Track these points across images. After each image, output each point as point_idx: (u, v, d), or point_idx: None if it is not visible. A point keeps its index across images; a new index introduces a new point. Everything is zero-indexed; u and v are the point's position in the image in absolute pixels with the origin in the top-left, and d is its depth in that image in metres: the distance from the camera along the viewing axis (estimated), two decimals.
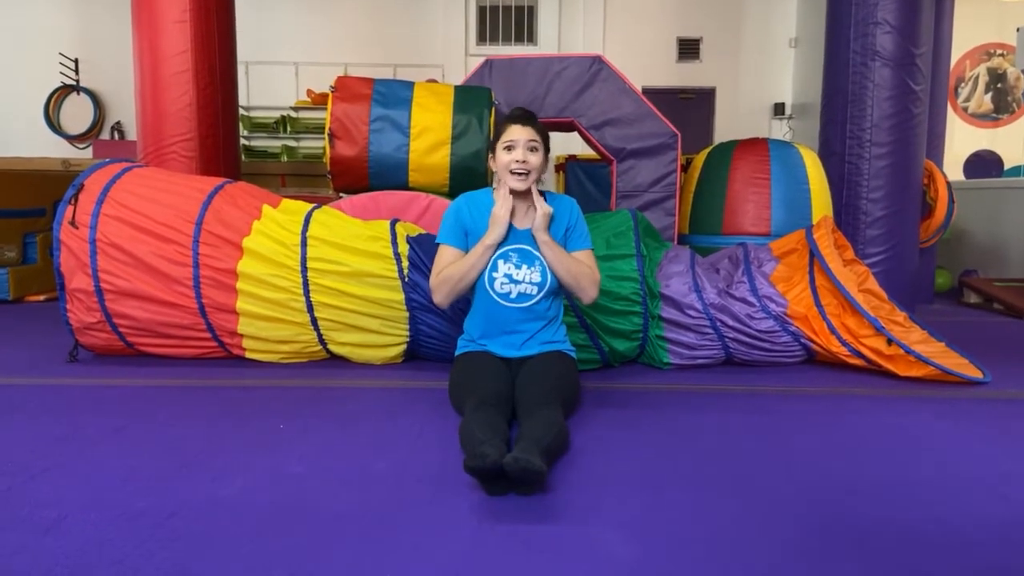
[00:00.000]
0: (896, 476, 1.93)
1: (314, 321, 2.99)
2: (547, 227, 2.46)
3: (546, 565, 1.43)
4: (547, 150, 2.53)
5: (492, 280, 2.47)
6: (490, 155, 2.56)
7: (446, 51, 9.60)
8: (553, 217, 2.50)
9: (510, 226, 2.49)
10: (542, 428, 1.96)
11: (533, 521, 1.62)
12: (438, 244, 2.55)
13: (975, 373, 2.96)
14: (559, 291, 2.58)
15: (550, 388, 2.26)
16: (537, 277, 2.47)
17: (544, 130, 2.53)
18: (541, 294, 2.47)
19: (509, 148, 2.45)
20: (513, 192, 2.47)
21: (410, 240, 3.10)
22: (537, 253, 2.48)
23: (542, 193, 2.56)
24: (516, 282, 2.46)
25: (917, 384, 2.90)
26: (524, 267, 2.47)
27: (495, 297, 2.47)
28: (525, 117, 2.50)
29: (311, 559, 1.44)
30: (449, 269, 2.46)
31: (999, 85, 9.22)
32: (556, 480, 1.86)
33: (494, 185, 2.59)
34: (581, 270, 2.48)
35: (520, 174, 2.44)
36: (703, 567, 1.43)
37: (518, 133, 2.45)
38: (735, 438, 2.24)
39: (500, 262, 2.47)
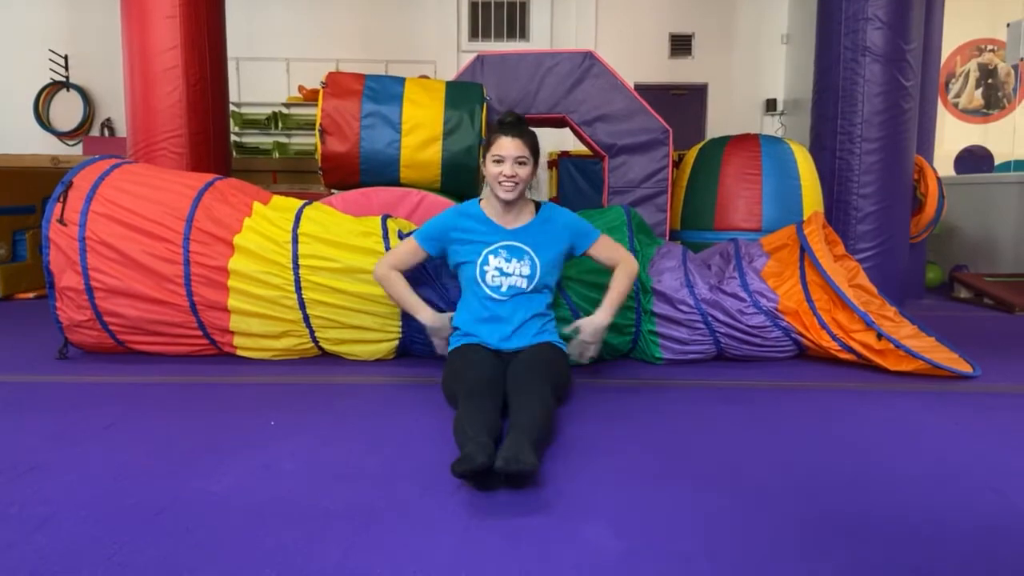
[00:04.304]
0: (886, 470, 1.94)
1: (306, 318, 2.99)
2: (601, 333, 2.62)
3: (535, 560, 1.43)
4: (536, 159, 2.58)
5: (484, 273, 2.56)
6: (482, 161, 2.62)
7: (438, 47, 9.59)
8: (548, 224, 2.64)
9: (499, 227, 2.60)
10: (530, 417, 1.97)
11: (523, 516, 1.62)
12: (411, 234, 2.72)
13: (965, 367, 2.97)
14: (552, 287, 2.67)
15: (540, 372, 2.29)
16: (527, 270, 2.56)
17: (534, 139, 2.57)
18: (531, 286, 2.56)
19: (498, 161, 2.50)
20: (503, 201, 2.56)
21: (402, 236, 3.09)
22: (526, 248, 2.58)
23: (539, 205, 2.68)
24: (506, 275, 2.55)
25: (907, 378, 2.91)
26: (514, 260, 2.57)
27: (487, 290, 2.56)
28: (515, 128, 2.53)
29: (301, 555, 1.44)
30: (397, 286, 2.68)
31: (989, 81, 9.25)
32: (546, 475, 1.86)
33: (482, 196, 2.70)
34: (628, 283, 2.68)
35: (509, 186, 2.50)
36: (693, 561, 1.44)
37: (507, 148, 2.49)
38: (726, 433, 2.25)
39: (491, 257, 2.57)
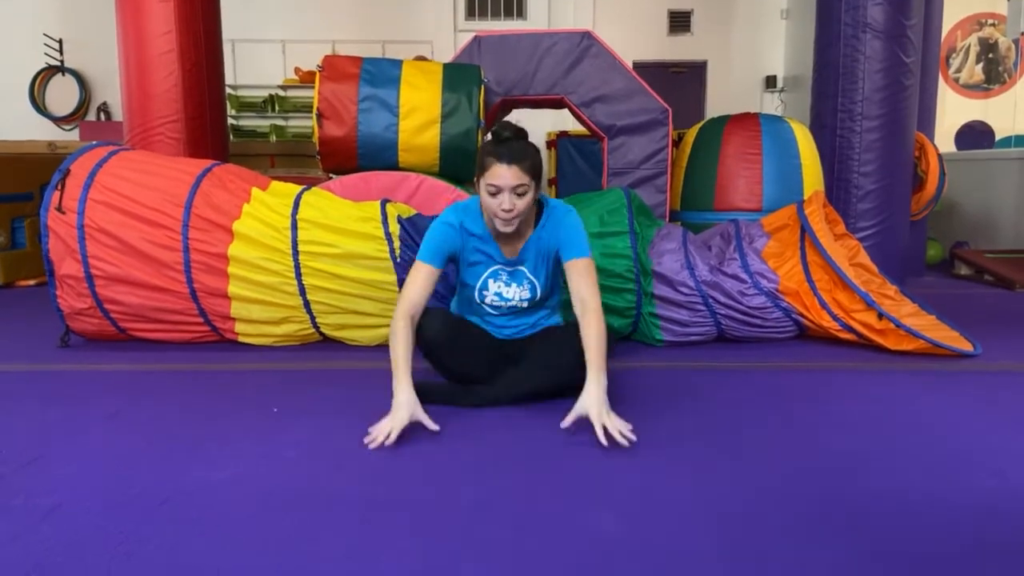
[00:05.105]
0: (888, 450, 1.94)
1: (307, 304, 2.99)
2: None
3: (538, 544, 1.44)
4: (539, 180, 2.24)
5: (483, 296, 2.42)
6: (476, 177, 2.25)
7: (435, 27, 9.50)
8: (544, 241, 2.34)
9: (499, 252, 2.34)
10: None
11: (527, 503, 1.63)
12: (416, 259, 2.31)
13: (966, 346, 2.98)
14: (551, 295, 2.53)
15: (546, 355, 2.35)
16: (526, 293, 2.40)
17: (535, 159, 2.21)
18: (532, 305, 2.45)
19: (494, 192, 2.16)
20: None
21: (401, 220, 3.09)
22: (527, 272, 2.37)
23: (543, 206, 2.35)
24: (506, 299, 2.40)
25: (908, 357, 2.91)
26: (514, 285, 2.40)
27: (487, 308, 2.45)
28: (511, 152, 2.14)
29: (305, 543, 1.44)
30: (399, 346, 2.17)
31: (990, 55, 9.17)
32: (548, 460, 1.87)
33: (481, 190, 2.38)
34: (602, 341, 2.15)
35: (506, 220, 2.19)
36: (695, 544, 1.44)
37: (503, 177, 2.13)
38: (728, 414, 2.25)
39: (491, 281, 2.39)
